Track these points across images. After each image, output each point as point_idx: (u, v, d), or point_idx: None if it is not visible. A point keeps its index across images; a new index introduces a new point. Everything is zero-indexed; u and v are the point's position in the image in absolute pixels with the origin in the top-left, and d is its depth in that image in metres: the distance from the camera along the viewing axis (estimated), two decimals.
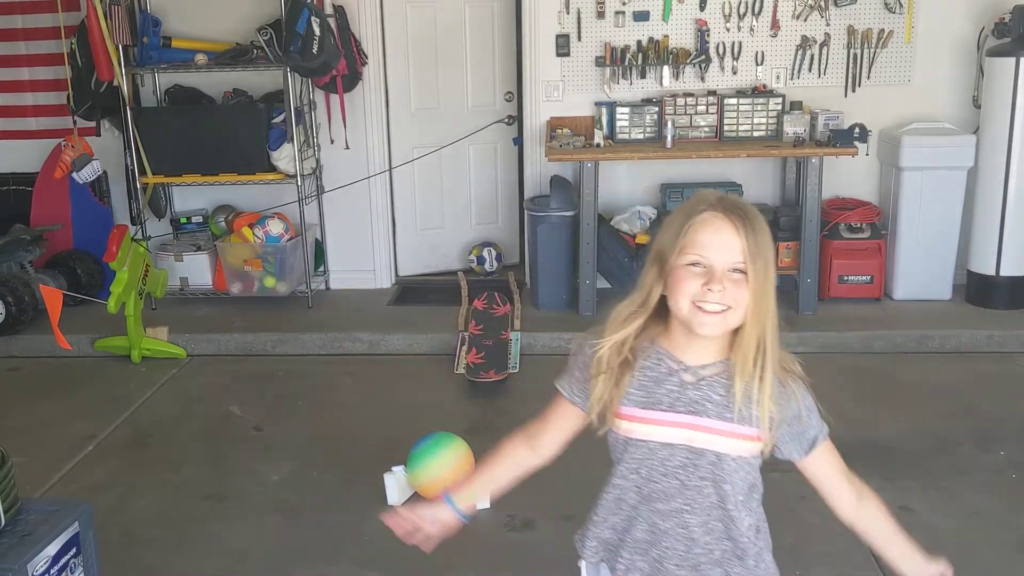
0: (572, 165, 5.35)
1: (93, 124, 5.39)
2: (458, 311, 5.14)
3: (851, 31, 5.21)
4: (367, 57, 5.42)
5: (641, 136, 5.29)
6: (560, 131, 5.33)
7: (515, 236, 6.12)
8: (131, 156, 5.18)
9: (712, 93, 5.28)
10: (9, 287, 4.87)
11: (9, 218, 5.41)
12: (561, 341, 4.84)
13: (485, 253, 5.82)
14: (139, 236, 5.10)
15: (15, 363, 4.85)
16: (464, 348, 4.66)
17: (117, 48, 4.95)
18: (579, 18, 5.29)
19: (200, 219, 5.59)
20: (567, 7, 5.28)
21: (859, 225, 5.16)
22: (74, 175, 5.09)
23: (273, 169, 5.19)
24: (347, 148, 5.49)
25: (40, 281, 5.08)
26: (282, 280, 5.27)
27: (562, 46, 5.34)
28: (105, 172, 5.52)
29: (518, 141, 5.82)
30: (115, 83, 5.04)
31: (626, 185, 5.49)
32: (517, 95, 5.86)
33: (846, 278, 5.14)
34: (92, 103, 5.16)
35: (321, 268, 5.70)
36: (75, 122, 5.30)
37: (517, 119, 5.89)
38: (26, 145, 5.58)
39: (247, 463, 3.70)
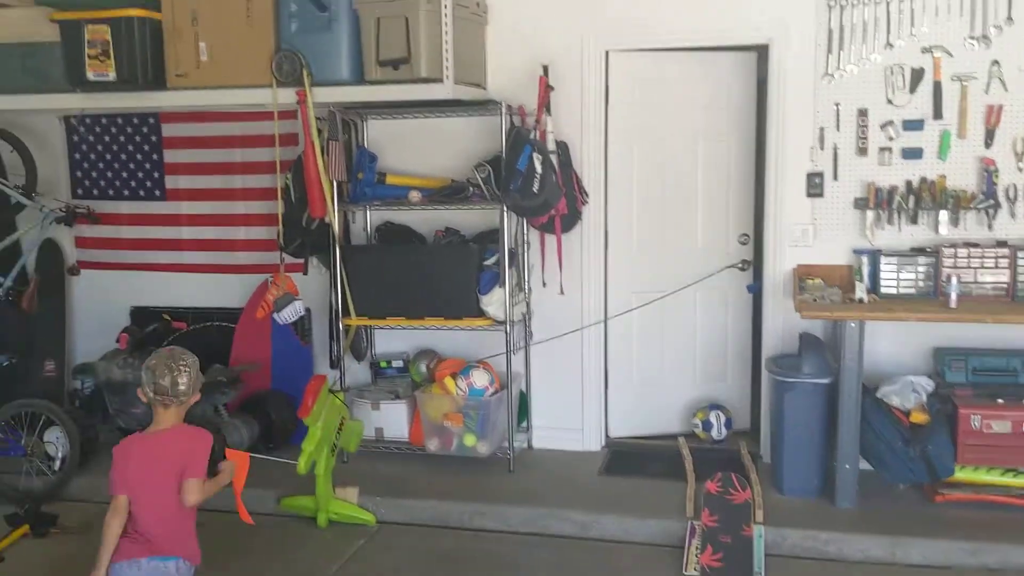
0: (824, 322, 4.55)
1: (301, 261, 5.14)
2: (685, 491, 4.36)
3: None
4: (588, 195, 4.92)
5: (912, 291, 4.43)
6: (810, 281, 4.56)
7: (746, 397, 5.31)
8: (336, 296, 4.87)
9: (1002, 244, 4.38)
10: None
11: (208, 356, 5.18)
12: (817, 541, 3.94)
13: (712, 417, 5.04)
14: (338, 386, 4.71)
15: (199, 518, 4.48)
16: (696, 543, 3.86)
17: (332, 184, 4.71)
18: (835, 155, 4.58)
19: (401, 364, 5.18)
20: (821, 143, 4.59)
21: None
22: (275, 316, 4.80)
23: (481, 314, 4.71)
24: (562, 294, 4.95)
25: (232, 427, 4.80)
26: (483, 439, 4.70)
27: (814, 186, 4.63)
28: (308, 310, 5.25)
29: (753, 289, 5.11)
30: (327, 220, 4.78)
31: (889, 348, 4.59)
32: (754, 238, 5.17)
33: None
34: (302, 240, 4.93)
35: (524, 423, 5.11)
36: (282, 259, 5.06)
37: (753, 264, 5.18)
38: (233, 280, 5.42)
39: None
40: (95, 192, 5.60)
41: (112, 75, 4.64)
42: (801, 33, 4.58)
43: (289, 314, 4.80)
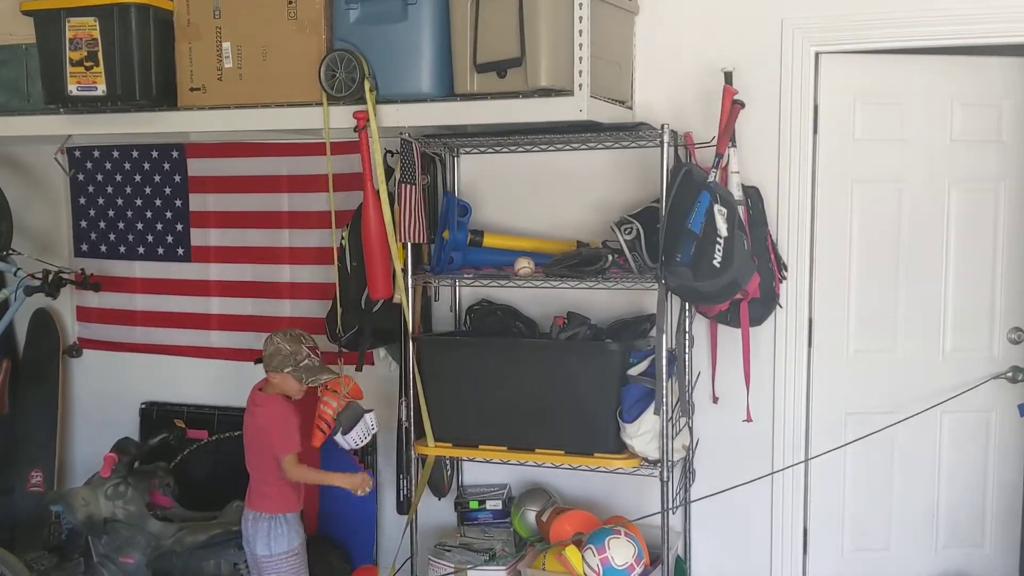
0: None
1: (358, 352, 3.61)
2: None
3: None
4: (787, 269, 3.28)
5: None
6: None
7: (1013, 572, 3.54)
8: (406, 409, 3.34)
9: None
10: None
11: (235, 483, 3.68)
12: None
13: None
14: (402, 565, 3.15)
15: None
16: None
17: (403, 248, 3.21)
18: None
19: (499, 505, 3.59)
20: None
21: None
22: (338, 439, 3.26)
23: (623, 448, 3.11)
24: (748, 421, 3.29)
25: None
26: None
27: None
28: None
29: None
30: (395, 300, 3.27)
31: None
32: None
33: None
34: (359, 327, 3.42)
35: None
36: (340, 349, 3.56)
37: None
38: None
39: None
40: (103, 248, 4.26)
41: (102, 88, 3.27)
42: None
43: (359, 435, 3.27)
